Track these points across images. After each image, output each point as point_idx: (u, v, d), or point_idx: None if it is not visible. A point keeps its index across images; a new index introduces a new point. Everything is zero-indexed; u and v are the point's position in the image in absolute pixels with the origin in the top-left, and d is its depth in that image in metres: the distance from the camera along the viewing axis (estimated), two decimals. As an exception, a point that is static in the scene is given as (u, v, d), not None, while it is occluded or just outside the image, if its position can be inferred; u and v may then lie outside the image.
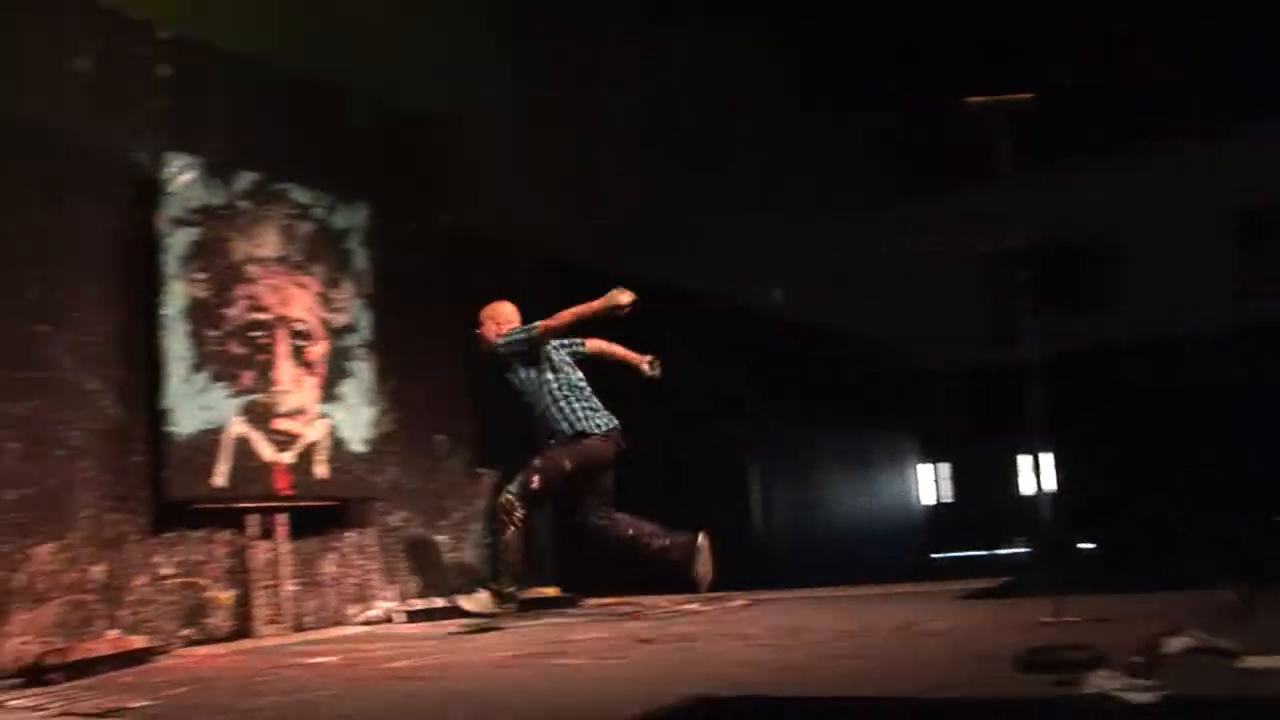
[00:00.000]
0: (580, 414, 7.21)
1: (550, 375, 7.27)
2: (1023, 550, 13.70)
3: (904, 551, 15.75)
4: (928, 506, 17.91)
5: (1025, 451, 16.86)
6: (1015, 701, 3.28)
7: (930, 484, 18.22)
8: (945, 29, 12.04)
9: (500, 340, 7.35)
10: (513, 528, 6.95)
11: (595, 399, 7.35)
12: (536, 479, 7.05)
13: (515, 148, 9.71)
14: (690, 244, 11.86)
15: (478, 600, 6.94)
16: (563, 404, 7.22)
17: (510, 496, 7.01)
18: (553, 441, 7.18)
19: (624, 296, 7.03)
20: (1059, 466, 13.43)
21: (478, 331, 7.57)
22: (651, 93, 11.39)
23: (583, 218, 10.50)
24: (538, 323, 7.20)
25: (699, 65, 12.16)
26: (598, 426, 7.20)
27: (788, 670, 4.26)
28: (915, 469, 17.72)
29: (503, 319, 7.47)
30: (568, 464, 7.12)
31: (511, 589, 6.99)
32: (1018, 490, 17.04)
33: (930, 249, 15.61)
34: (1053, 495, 12.93)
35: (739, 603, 7.58)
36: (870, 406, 15.91)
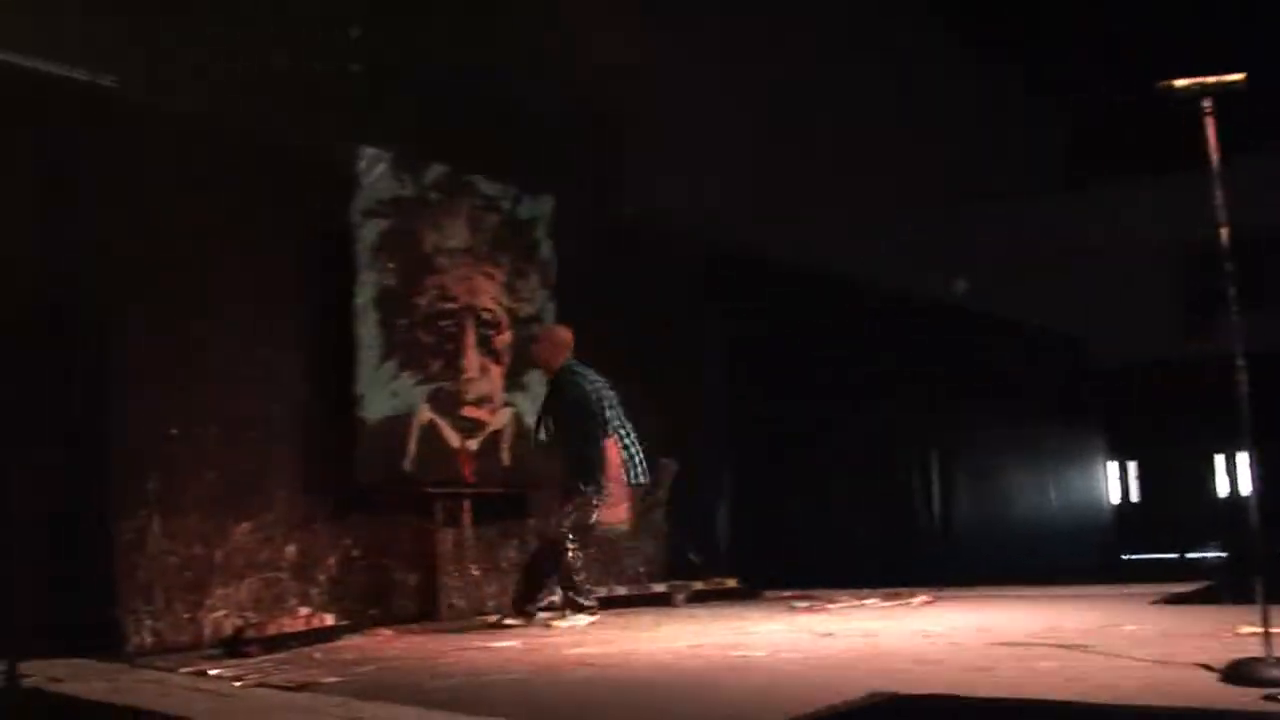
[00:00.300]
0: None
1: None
2: (1218, 555, 13.14)
3: (1089, 551, 15.25)
4: (1114, 506, 17.31)
5: (1220, 451, 16.22)
6: (1219, 714, 3.12)
7: (1117, 482, 17.62)
8: (1144, 5, 11.65)
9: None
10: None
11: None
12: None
13: (699, 141, 9.71)
14: (874, 235, 11.68)
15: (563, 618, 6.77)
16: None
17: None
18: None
19: None
20: (1258, 467, 12.89)
21: (533, 346, 7.43)
22: (836, 84, 11.28)
23: (765, 210, 10.42)
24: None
25: (887, 54, 12.01)
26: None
27: (972, 669, 4.16)
28: (1102, 466, 17.14)
29: (557, 342, 7.16)
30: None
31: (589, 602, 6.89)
32: (1212, 491, 16.34)
33: (1124, 239, 15.16)
34: (1252, 497, 12.38)
35: (921, 599, 7.45)
36: (1057, 401, 15.46)
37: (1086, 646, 4.64)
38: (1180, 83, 4.03)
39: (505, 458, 7.72)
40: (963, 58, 14.05)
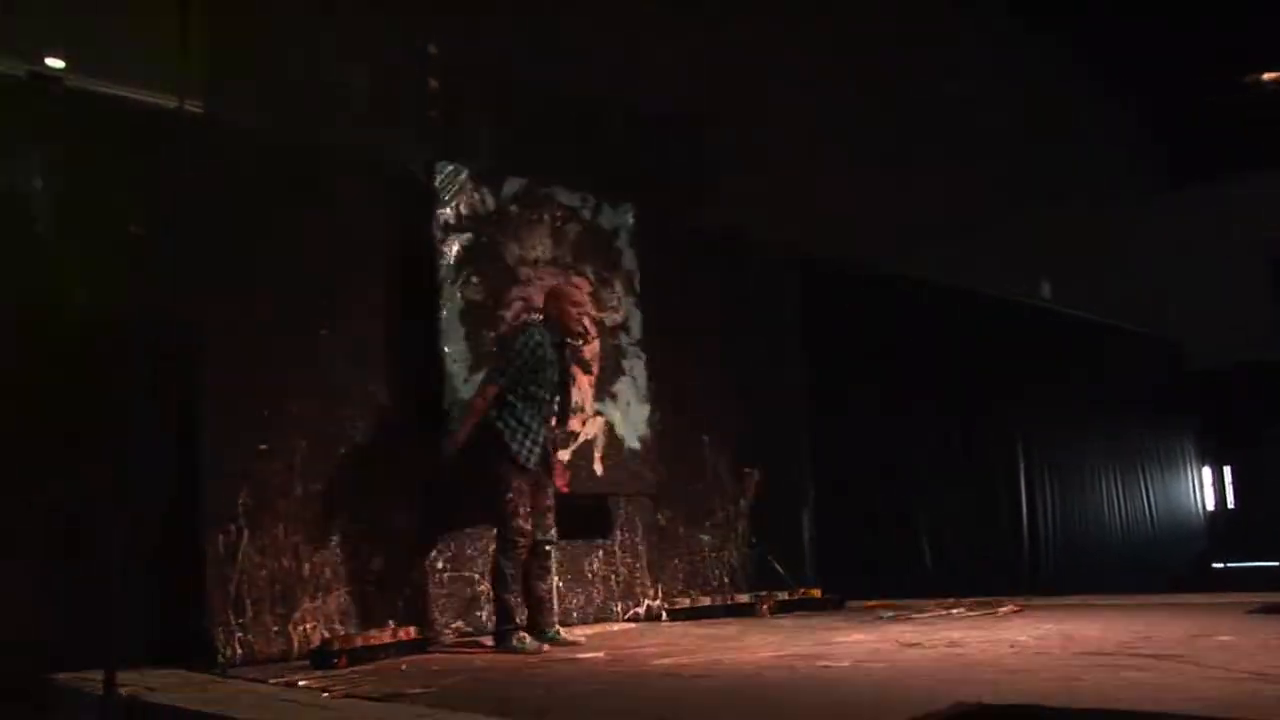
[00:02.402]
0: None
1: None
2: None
3: (1183, 559, 14.98)
4: (1209, 512, 16.95)
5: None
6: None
7: (1211, 488, 17.25)
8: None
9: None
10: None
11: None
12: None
13: (783, 148, 9.70)
14: (963, 238, 11.58)
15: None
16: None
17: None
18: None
19: None
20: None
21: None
22: (926, 87, 11.18)
23: (851, 216, 10.38)
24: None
25: (977, 55, 11.88)
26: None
27: (1060, 679, 4.09)
28: (1196, 471, 16.81)
29: (563, 299, 6.62)
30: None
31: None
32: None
33: (1220, 238, 14.88)
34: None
35: (1008, 608, 7.35)
36: (1149, 404, 15.20)
37: (1179, 656, 4.54)
38: (1269, 76, 3.94)
39: (598, 468, 7.74)
40: (1054, 57, 13.88)
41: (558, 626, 6.59)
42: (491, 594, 6.55)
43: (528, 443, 6.34)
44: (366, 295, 6.94)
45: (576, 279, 7.54)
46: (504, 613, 6.26)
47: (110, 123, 6.16)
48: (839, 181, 10.33)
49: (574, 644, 6.37)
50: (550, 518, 6.51)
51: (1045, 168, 13.04)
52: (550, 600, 6.66)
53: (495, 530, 6.47)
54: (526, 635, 6.22)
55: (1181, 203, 15.86)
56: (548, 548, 6.52)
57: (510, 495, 6.26)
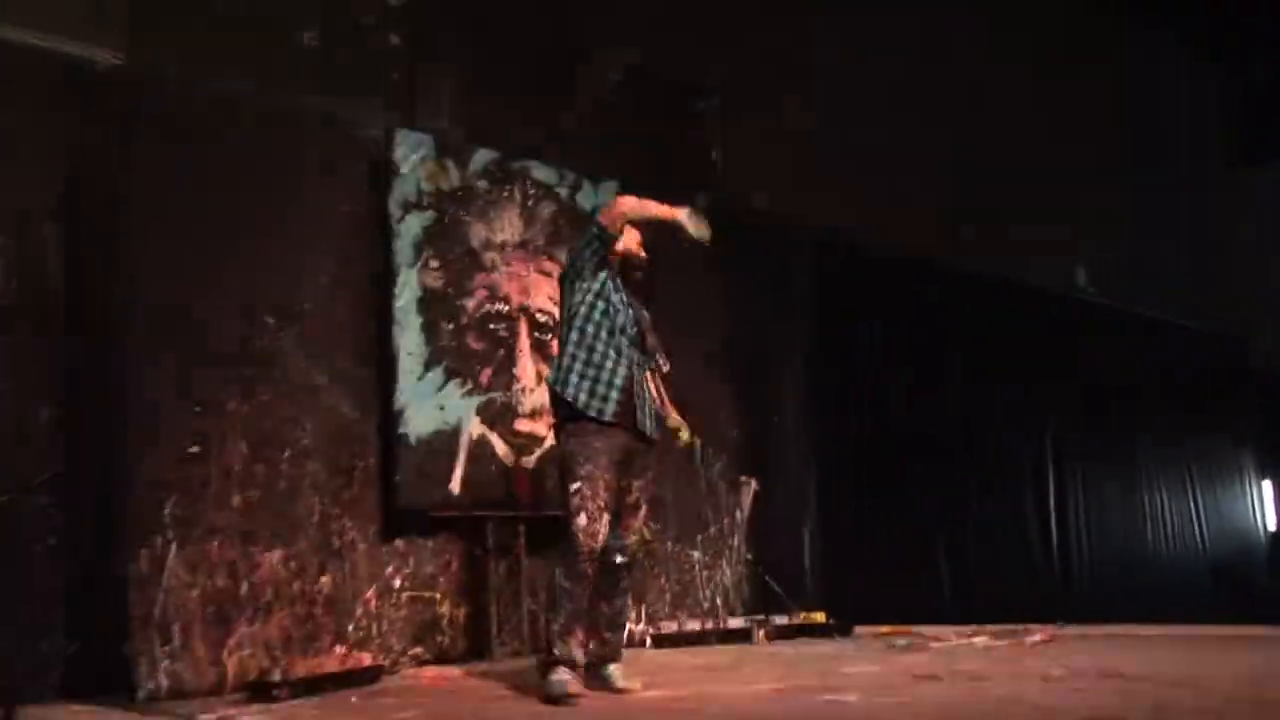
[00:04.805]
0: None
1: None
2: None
3: (1239, 584, 14.92)
4: (1270, 532, 16.88)
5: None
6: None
7: (1274, 504, 17.18)
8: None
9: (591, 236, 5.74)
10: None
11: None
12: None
13: (789, 120, 9.69)
14: (988, 219, 11.54)
15: None
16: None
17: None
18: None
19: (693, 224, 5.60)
20: None
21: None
22: (958, 57, 11.11)
23: (871, 201, 10.40)
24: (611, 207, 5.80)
25: (1018, 20, 11.79)
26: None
27: (1098, 720, 4.08)
28: (1255, 485, 16.73)
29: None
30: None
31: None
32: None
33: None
34: None
35: (1038, 637, 7.35)
36: (1203, 409, 15.11)
37: (1237, 699, 4.51)
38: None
39: None
40: (1110, 25, 13.74)
41: (619, 665, 5.72)
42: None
43: (600, 388, 5.51)
44: (315, 278, 6.93)
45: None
46: (556, 636, 5.43)
47: (24, 75, 6.09)
48: (859, 160, 10.26)
49: (626, 690, 5.55)
50: (635, 517, 5.69)
51: (1088, 141, 12.94)
52: (617, 627, 5.80)
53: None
54: (565, 672, 5.35)
55: (1252, 183, 15.63)
56: (618, 559, 5.62)
57: (578, 484, 5.41)
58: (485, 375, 7.44)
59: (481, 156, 7.56)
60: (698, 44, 8.71)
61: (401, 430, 7.00)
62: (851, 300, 10.21)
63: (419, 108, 7.44)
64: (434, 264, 7.27)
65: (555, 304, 7.54)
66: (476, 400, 7.37)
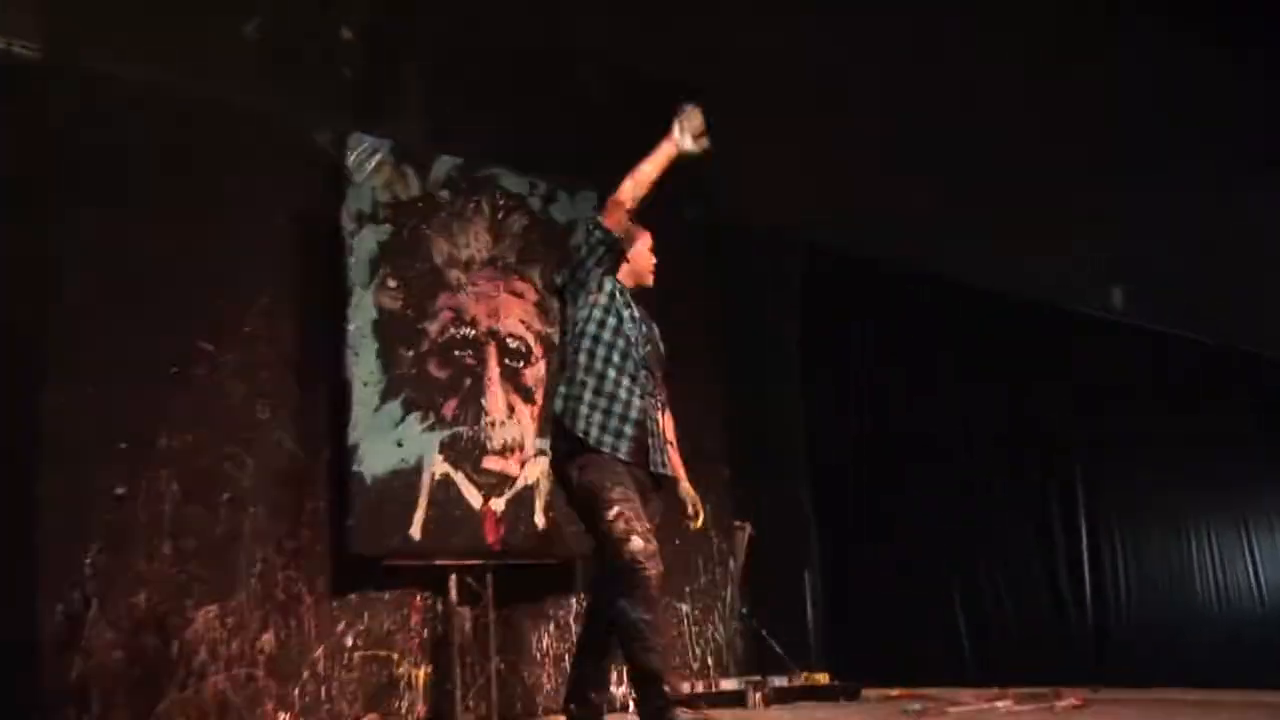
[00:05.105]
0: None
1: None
2: None
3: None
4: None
5: None
6: None
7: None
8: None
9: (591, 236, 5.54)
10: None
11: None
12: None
13: (784, 124, 9.47)
14: (1009, 231, 11.47)
15: None
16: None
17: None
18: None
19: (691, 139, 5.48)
20: None
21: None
22: (965, 54, 11.08)
23: (871, 207, 10.19)
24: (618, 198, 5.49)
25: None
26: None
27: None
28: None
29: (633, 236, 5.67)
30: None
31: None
32: None
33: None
34: None
35: (1068, 701, 7.22)
36: (1257, 442, 14.99)
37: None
38: None
39: (539, 519, 7.61)
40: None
41: None
42: (625, 660, 5.27)
43: (613, 421, 5.33)
44: (259, 299, 6.88)
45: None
46: (648, 680, 5.11)
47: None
48: (859, 166, 10.15)
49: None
50: None
51: (1119, 138, 12.87)
52: (605, 686, 5.86)
53: (603, 569, 5.39)
54: (687, 712, 5.09)
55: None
56: None
57: (614, 510, 5.12)
58: (449, 407, 7.34)
59: (445, 163, 7.50)
60: (681, 43, 8.61)
61: (355, 469, 6.88)
62: (854, 323, 10.21)
63: (375, 108, 7.40)
64: (392, 283, 7.19)
65: (528, 327, 7.70)
66: (440, 435, 7.26)
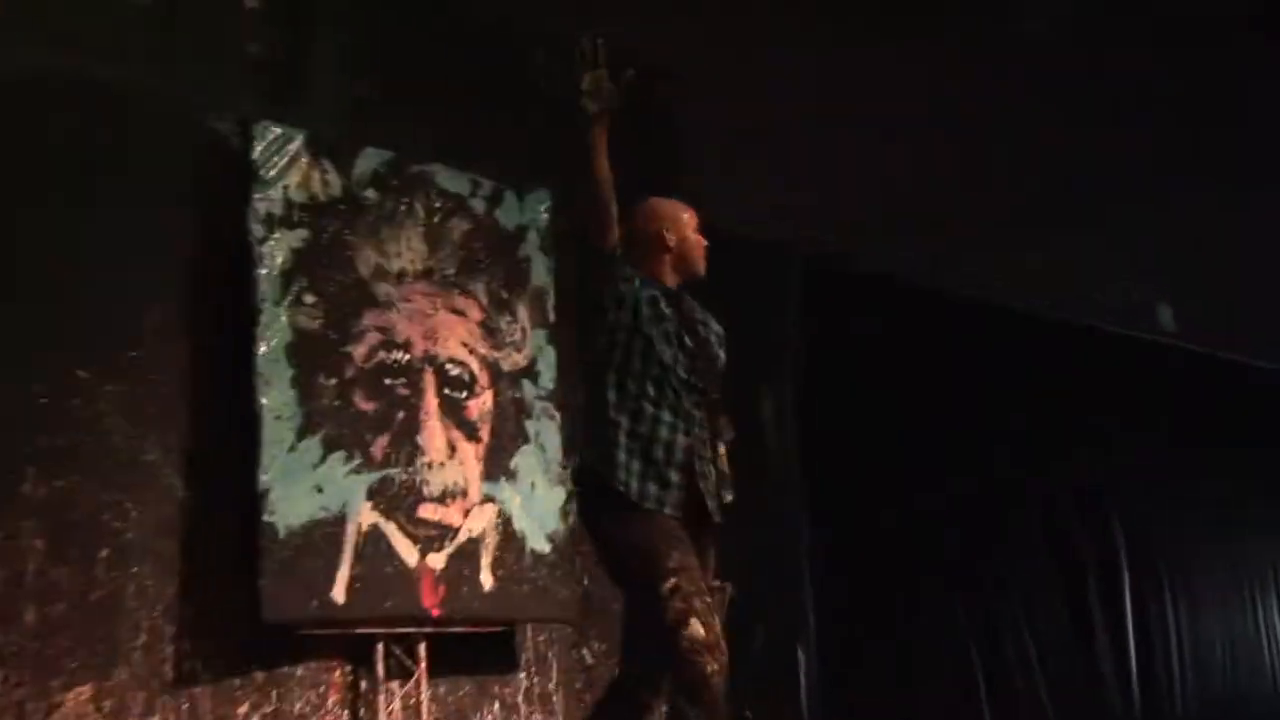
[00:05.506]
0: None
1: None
2: None
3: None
4: None
5: None
6: None
7: None
8: None
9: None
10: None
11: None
12: None
13: (768, 114, 9.46)
14: (1038, 240, 11.40)
15: None
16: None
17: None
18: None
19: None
20: None
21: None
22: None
23: (862, 211, 10.27)
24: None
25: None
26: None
27: None
28: None
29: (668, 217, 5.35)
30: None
31: None
32: None
33: None
34: None
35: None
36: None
37: None
38: None
39: (486, 579, 7.45)
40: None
41: None
42: None
43: (654, 468, 4.96)
44: (147, 317, 6.70)
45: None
46: None
47: None
48: (862, 164, 10.14)
49: None
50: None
51: (1162, 138, 12.85)
52: None
53: (639, 637, 5.12)
54: None
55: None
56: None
57: (670, 582, 4.71)
58: (379, 446, 7.17)
59: (371, 158, 7.37)
60: (652, 27, 8.55)
61: (266, 519, 6.68)
62: (855, 343, 10.12)
63: (288, 93, 7.30)
64: (309, 298, 7.02)
65: (471, 351, 7.56)
66: (367, 479, 7.09)
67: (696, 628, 4.67)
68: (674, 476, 4.92)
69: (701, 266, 5.30)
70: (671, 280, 5.20)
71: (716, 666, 4.70)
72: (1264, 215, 13.17)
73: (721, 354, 5.33)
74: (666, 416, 4.98)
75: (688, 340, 5.12)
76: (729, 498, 5.13)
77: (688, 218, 5.31)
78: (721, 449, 5.20)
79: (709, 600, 4.78)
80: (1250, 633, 13.50)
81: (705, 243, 5.32)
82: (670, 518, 4.87)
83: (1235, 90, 11.43)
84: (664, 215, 5.27)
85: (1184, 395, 12.81)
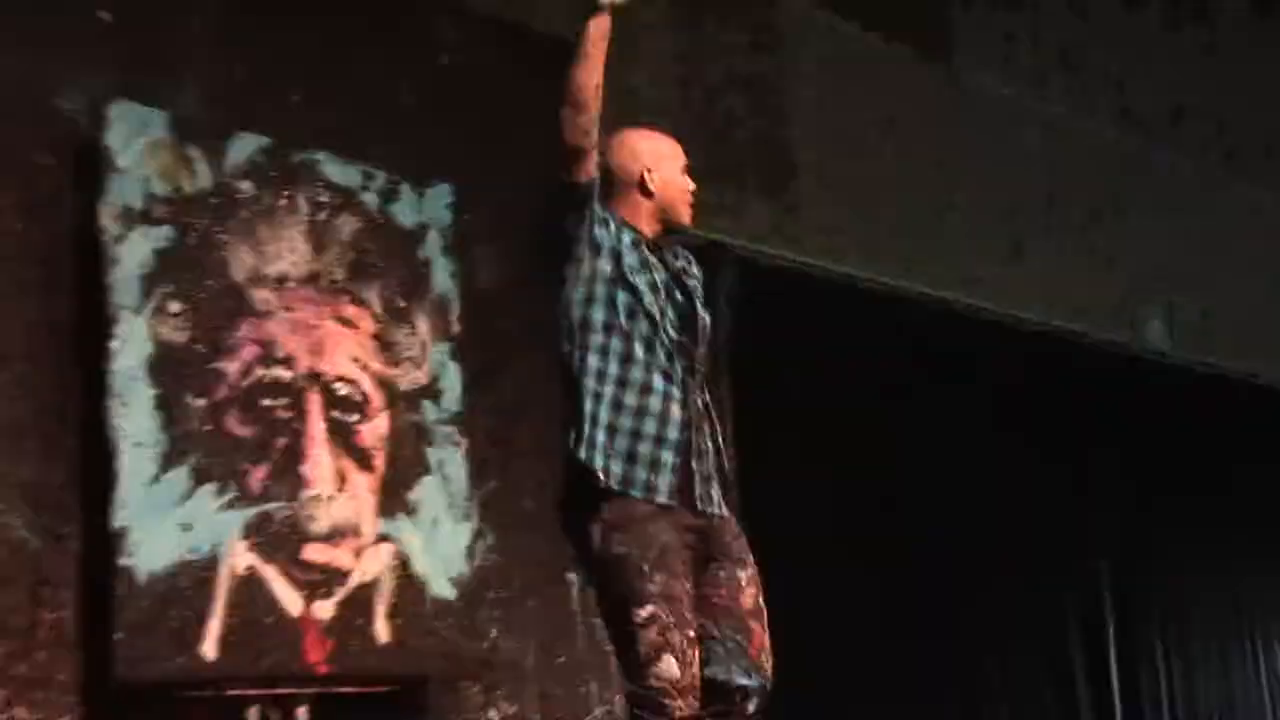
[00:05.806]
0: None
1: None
2: None
3: None
4: None
5: None
6: None
7: None
8: None
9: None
10: None
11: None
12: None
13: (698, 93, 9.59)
14: (1013, 249, 11.38)
15: None
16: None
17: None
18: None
19: None
20: None
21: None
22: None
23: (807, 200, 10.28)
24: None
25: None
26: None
27: None
28: None
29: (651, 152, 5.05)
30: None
31: None
32: None
33: None
34: None
35: None
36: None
37: None
38: None
39: (381, 630, 7.25)
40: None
41: None
42: None
43: (644, 445, 4.69)
44: None
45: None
46: None
47: None
48: (824, 161, 10.23)
49: None
50: (760, 624, 4.88)
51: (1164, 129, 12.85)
52: None
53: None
54: None
55: None
56: (752, 704, 4.80)
57: (646, 610, 4.54)
58: (256, 477, 6.94)
59: (245, 145, 7.14)
60: None
61: (123, 562, 6.42)
62: (798, 352, 9.93)
63: (147, 66, 7.09)
64: (174, 307, 6.78)
65: (363, 368, 7.37)
66: (243, 515, 6.86)
67: (670, 666, 4.47)
68: (666, 455, 4.66)
69: (688, 216, 5.02)
70: (649, 229, 4.92)
71: (687, 711, 4.48)
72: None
73: (704, 314, 4.99)
74: (658, 383, 4.71)
75: (678, 294, 4.86)
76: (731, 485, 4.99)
77: (674, 156, 5.02)
78: (719, 425, 4.99)
79: (692, 635, 4.53)
80: (1254, 693, 13.44)
81: (693, 186, 5.04)
82: (663, 510, 4.62)
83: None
84: (647, 153, 4.96)
85: (1176, 428, 12.73)
